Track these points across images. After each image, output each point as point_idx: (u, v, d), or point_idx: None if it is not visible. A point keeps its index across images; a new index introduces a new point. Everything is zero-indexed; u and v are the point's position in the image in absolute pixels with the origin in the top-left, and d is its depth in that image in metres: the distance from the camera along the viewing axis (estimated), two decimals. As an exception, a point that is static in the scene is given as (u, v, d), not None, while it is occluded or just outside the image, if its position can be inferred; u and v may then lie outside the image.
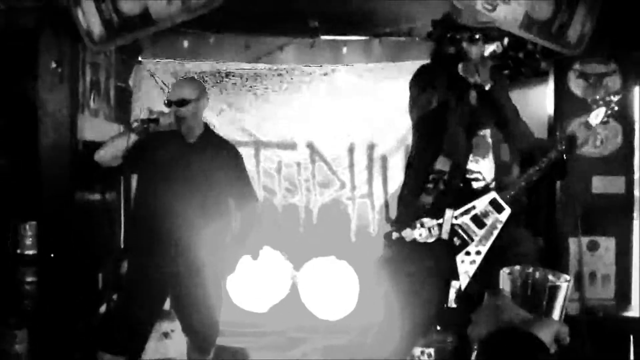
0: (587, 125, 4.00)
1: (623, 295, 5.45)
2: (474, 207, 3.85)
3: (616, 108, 4.02)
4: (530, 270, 1.89)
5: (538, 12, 5.09)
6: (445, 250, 3.81)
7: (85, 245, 5.44)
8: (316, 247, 6.63)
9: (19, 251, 5.38)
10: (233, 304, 6.40)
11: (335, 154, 6.62)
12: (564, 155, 3.90)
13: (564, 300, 1.84)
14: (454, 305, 3.80)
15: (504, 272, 1.88)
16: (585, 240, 5.41)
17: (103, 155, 4.48)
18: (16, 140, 5.30)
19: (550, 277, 1.85)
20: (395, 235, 3.86)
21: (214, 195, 4.63)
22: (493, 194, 3.87)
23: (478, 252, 3.81)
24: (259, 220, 5.01)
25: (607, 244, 5.42)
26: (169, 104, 4.53)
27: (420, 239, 3.80)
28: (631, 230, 5.48)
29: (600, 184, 5.42)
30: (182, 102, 4.49)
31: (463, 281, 3.79)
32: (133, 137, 4.35)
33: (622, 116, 5.39)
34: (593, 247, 5.41)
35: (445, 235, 3.80)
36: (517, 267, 1.89)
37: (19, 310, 5.32)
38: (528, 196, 4.04)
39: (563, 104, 5.44)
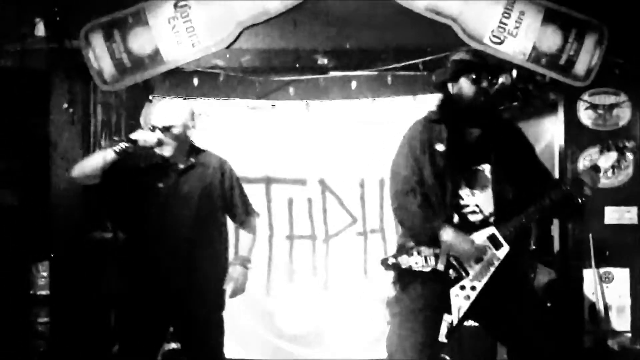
0: (596, 169, 3.91)
1: (639, 326, 5.40)
2: (472, 241, 3.77)
3: (630, 155, 3.96)
4: None
5: (546, 45, 5.12)
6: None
7: (97, 284, 5.44)
8: (328, 282, 6.60)
9: (31, 291, 5.39)
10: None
11: (346, 190, 6.61)
12: (573, 197, 3.82)
13: None
14: (444, 340, 3.73)
15: None
16: (599, 271, 5.38)
17: (81, 171, 4.40)
18: (28, 180, 5.33)
19: None
20: (391, 260, 3.88)
21: (210, 218, 4.58)
22: (492, 229, 3.78)
23: (473, 288, 3.74)
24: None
25: (622, 275, 5.39)
26: (153, 129, 4.41)
27: (416, 267, 3.78)
28: (646, 261, 5.46)
29: (612, 215, 5.41)
30: (167, 128, 4.41)
31: (455, 316, 3.72)
32: (112, 155, 4.26)
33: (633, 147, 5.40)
34: (607, 278, 5.38)
35: (440, 267, 3.75)
36: None
37: (32, 350, 5.31)
38: (542, 231, 4.02)
39: (573, 135, 5.44)
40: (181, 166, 4.52)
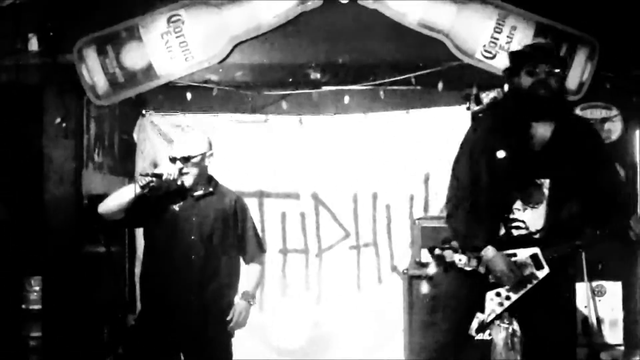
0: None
1: (631, 340, 5.41)
2: (515, 255, 3.74)
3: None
4: None
5: (537, 59, 5.14)
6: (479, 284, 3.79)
7: (90, 299, 5.43)
8: (321, 296, 6.60)
9: (24, 306, 5.37)
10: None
11: (339, 204, 6.61)
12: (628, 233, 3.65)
13: None
14: (473, 334, 3.78)
15: None
16: (591, 285, 5.39)
17: (108, 208, 4.49)
18: (22, 195, 5.33)
19: None
20: (437, 251, 3.88)
21: (221, 246, 4.64)
22: (536, 250, 3.72)
23: (508, 297, 3.75)
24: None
25: (614, 289, 5.40)
26: (173, 160, 4.53)
27: (459, 264, 3.78)
28: (637, 274, 5.46)
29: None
30: (187, 159, 4.51)
31: (488, 317, 3.76)
32: (138, 190, 4.35)
33: (625, 160, 5.42)
34: (600, 292, 5.39)
35: (482, 269, 3.75)
36: None
37: (23, 365, 5.30)
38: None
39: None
40: (200, 192, 4.61)
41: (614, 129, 5.42)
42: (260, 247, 4.91)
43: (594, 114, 5.42)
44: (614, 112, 5.43)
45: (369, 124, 6.48)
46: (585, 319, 5.38)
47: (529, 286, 3.72)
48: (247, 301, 4.71)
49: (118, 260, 6.05)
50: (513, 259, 3.72)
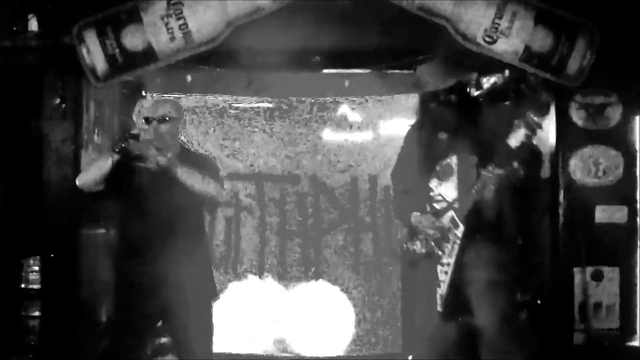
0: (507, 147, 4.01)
1: (628, 325, 5.43)
2: (441, 224, 4.22)
3: (536, 129, 3.95)
4: None
5: (538, 45, 5.13)
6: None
7: (89, 280, 5.45)
8: (320, 278, 6.63)
9: (22, 286, 5.39)
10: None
11: (337, 186, 6.62)
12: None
13: None
14: (439, 310, 4.23)
15: None
16: (589, 270, 5.40)
17: (85, 179, 4.44)
18: (21, 176, 5.33)
19: None
20: (404, 246, 4.47)
21: (192, 214, 4.60)
22: (451, 213, 4.18)
23: (448, 264, 4.17)
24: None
25: (612, 274, 5.42)
26: (148, 120, 4.48)
27: (418, 251, 4.36)
28: (635, 260, 5.48)
29: (603, 214, 5.43)
30: (163, 119, 4.47)
31: (442, 289, 4.20)
32: (115, 158, 4.28)
33: (624, 146, 5.43)
34: (597, 277, 5.41)
35: (430, 249, 4.29)
36: None
37: (22, 345, 5.32)
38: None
39: (565, 135, 5.46)
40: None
41: (613, 115, 5.42)
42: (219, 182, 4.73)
43: (594, 100, 5.42)
44: (614, 98, 5.42)
45: (368, 107, 6.50)
46: (583, 303, 5.39)
47: (456, 247, 4.14)
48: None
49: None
50: (437, 224, 4.23)
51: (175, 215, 4.46)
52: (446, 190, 4.24)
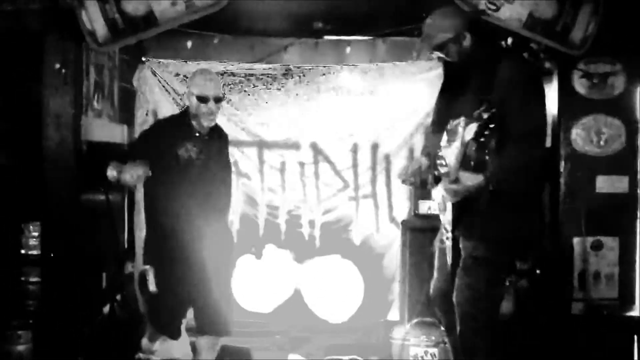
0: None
1: (627, 294, 5.45)
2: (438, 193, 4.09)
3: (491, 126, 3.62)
4: None
5: (542, 12, 5.08)
6: None
7: (89, 246, 5.45)
8: (320, 246, 6.64)
9: (23, 251, 5.39)
10: (237, 305, 6.41)
11: (338, 154, 6.61)
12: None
13: None
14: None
15: None
16: (589, 240, 5.41)
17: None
18: (20, 142, 5.31)
19: None
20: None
21: (223, 185, 4.93)
22: (442, 192, 4.02)
23: (447, 230, 4.05)
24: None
25: (611, 244, 5.42)
26: (204, 99, 4.70)
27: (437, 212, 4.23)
28: (635, 230, 5.48)
29: (604, 184, 5.42)
30: (218, 99, 4.75)
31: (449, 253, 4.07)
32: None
33: (626, 115, 5.41)
34: (597, 246, 5.41)
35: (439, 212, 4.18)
36: None
37: (22, 310, 5.33)
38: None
39: (567, 104, 5.44)
40: (205, 136, 4.85)
41: (617, 84, 5.39)
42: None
43: (597, 68, 5.38)
44: (618, 67, 5.39)
45: (370, 74, 6.46)
46: (582, 273, 5.40)
47: (449, 216, 3.97)
48: None
49: (117, 208, 6.07)
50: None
51: (211, 186, 4.79)
52: (448, 154, 4.01)
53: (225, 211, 5.03)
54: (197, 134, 4.81)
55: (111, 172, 4.62)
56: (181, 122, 4.85)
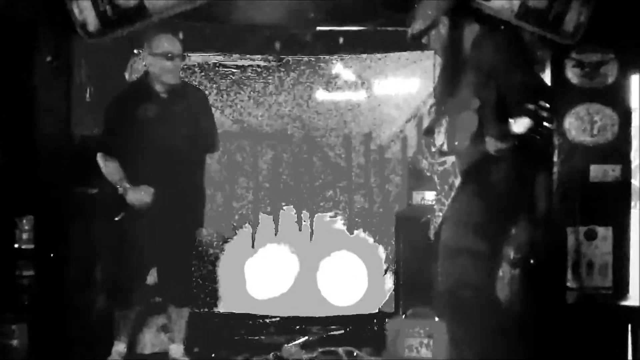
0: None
1: (621, 284, 5.45)
2: (445, 162, 3.99)
3: (547, 125, 3.43)
4: None
5: (534, 1, 5.08)
6: None
7: (83, 239, 5.44)
8: (314, 238, 6.64)
9: (16, 245, 5.37)
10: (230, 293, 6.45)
11: (331, 145, 6.61)
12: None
13: None
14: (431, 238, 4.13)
15: None
16: (582, 229, 5.41)
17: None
18: (12, 135, 5.29)
19: None
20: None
21: (189, 149, 5.05)
22: (453, 158, 3.94)
23: (443, 204, 3.98)
24: None
25: (605, 233, 5.42)
26: (169, 57, 4.94)
27: (427, 172, 4.23)
28: (629, 219, 5.48)
29: (597, 173, 5.42)
30: (182, 56, 5.06)
31: (436, 221, 4.04)
32: None
33: (620, 104, 5.40)
34: (591, 236, 5.42)
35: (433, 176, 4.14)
36: None
37: (16, 304, 5.31)
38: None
39: (560, 93, 5.43)
40: (164, 96, 5.07)
41: (610, 72, 5.38)
42: (215, 142, 5.37)
43: (590, 57, 5.38)
44: (610, 56, 5.38)
45: (363, 64, 6.46)
46: (576, 262, 5.41)
47: (452, 193, 3.90)
48: None
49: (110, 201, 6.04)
50: (445, 165, 3.98)
51: (175, 147, 4.95)
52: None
53: (195, 170, 5.18)
54: (157, 95, 5.02)
55: (121, 190, 4.96)
56: (140, 85, 5.14)
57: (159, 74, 5.01)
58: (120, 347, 5.19)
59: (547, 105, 3.39)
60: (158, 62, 4.99)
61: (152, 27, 5.26)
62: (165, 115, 4.96)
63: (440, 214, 4.00)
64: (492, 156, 3.70)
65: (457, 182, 3.89)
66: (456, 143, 3.93)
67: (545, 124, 3.37)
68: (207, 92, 5.97)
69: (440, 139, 4.08)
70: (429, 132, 4.23)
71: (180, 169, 4.99)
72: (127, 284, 5.12)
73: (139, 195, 4.92)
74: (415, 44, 4.29)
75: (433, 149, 4.14)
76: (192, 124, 5.08)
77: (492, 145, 3.63)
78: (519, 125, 3.41)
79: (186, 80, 5.58)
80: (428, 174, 4.22)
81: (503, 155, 3.69)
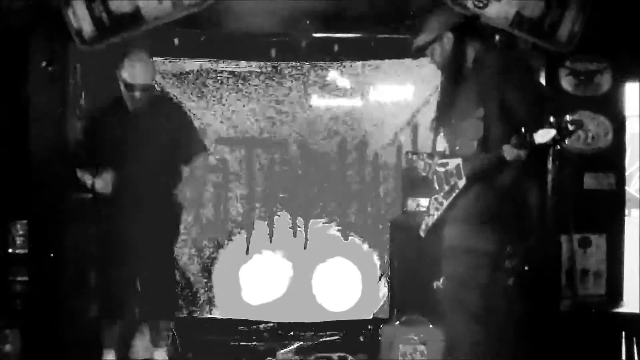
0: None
1: (614, 291, 5.46)
2: (447, 164, 3.99)
3: (571, 133, 3.55)
4: None
5: (529, 10, 5.10)
6: None
7: (76, 244, 5.43)
8: (310, 244, 6.63)
9: (9, 250, 5.37)
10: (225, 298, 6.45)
11: (326, 152, 6.61)
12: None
13: None
14: (421, 234, 4.17)
15: None
16: (576, 237, 5.42)
17: None
18: (7, 140, 5.29)
19: None
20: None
21: (166, 164, 5.04)
22: (459, 160, 3.92)
23: (441, 203, 4.00)
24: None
25: (599, 241, 5.44)
26: (131, 87, 4.88)
27: (422, 172, 4.27)
28: (622, 227, 5.50)
29: (591, 181, 5.44)
30: (147, 87, 4.94)
31: (429, 220, 4.08)
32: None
33: (613, 113, 5.42)
34: (585, 244, 5.43)
35: (430, 176, 4.16)
36: None
37: (9, 310, 5.30)
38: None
39: (554, 102, 5.43)
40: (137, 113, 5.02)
41: (604, 82, 5.40)
42: (200, 145, 5.30)
43: (584, 66, 5.39)
44: (604, 64, 5.40)
45: (358, 71, 6.47)
46: (570, 270, 5.41)
47: (454, 194, 3.93)
48: None
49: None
50: (446, 167, 3.99)
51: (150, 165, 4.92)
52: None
53: (171, 179, 5.15)
54: (128, 113, 4.99)
55: (87, 181, 4.97)
56: (115, 100, 5.07)
57: (125, 97, 4.98)
58: (109, 356, 5.16)
59: (575, 118, 3.55)
60: (122, 86, 4.95)
61: (144, 35, 5.28)
62: (137, 131, 4.94)
63: (436, 212, 4.02)
64: (505, 161, 3.70)
65: (461, 183, 3.90)
66: (457, 148, 3.98)
67: (571, 135, 3.52)
68: (195, 100, 6.24)
69: (442, 143, 4.13)
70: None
71: (156, 182, 4.98)
72: (113, 296, 5.11)
73: (104, 182, 4.93)
74: (414, 54, 4.26)
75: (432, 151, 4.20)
76: (166, 138, 5.04)
77: (510, 153, 3.63)
78: (544, 135, 3.48)
79: (161, 93, 5.71)
80: (424, 174, 4.25)
81: (518, 162, 3.69)
